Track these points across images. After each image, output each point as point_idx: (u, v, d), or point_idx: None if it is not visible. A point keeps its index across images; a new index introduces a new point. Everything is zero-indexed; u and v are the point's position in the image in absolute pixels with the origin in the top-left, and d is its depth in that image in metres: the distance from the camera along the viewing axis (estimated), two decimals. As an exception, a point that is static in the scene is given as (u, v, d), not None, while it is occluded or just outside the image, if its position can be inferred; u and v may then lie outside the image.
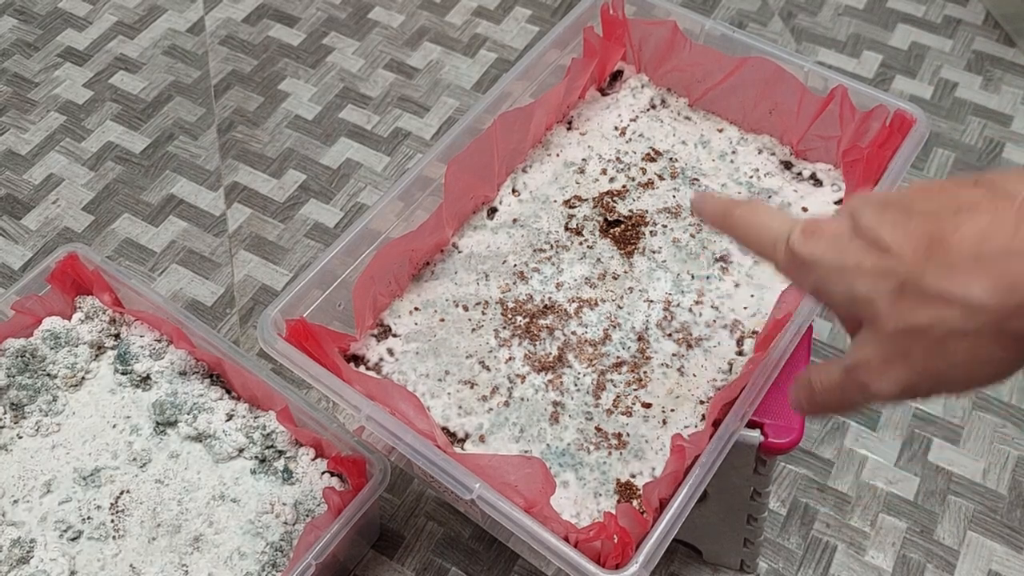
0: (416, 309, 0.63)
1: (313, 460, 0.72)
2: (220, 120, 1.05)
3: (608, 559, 0.48)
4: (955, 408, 0.84)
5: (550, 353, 0.60)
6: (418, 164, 0.63)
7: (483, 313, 0.62)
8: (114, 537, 0.69)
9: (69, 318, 0.79)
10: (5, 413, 0.74)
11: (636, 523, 0.49)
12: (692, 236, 0.65)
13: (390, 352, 0.61)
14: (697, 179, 0.68)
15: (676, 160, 0.70)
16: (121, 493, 0.71)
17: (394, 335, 0.62)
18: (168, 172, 1.01)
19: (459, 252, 0.66)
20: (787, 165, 0.69)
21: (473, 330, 0.62)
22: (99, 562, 0.68)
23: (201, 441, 0.74)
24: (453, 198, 0.64)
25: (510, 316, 0.62)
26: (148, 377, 0.76)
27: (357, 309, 0.60)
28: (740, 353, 0.60)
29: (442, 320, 0.62)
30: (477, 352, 0.61)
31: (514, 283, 0.64)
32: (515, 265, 0.65)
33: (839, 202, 0.66)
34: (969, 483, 0.80)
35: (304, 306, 0.59)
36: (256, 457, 0.72)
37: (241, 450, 0.73)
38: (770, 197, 0.67)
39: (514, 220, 0.67)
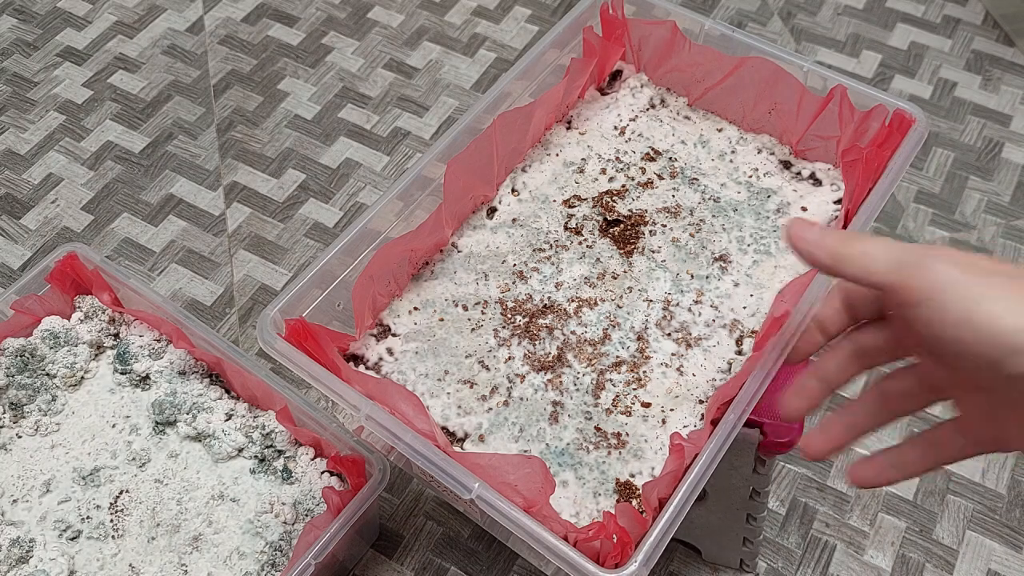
0: (415, 309, 0.63)
1: (312, 460, 0.72)
2: (219, 120, 1.05)
3: (607, 558, 0.48)
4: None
5: (549, 353, 0.60)
6: (417, 164, 0.63)
7: (483, 313, 0.62)
8: (113, 537, 0.69)
9: (68, 318, 0.79)
10: (4, 413, 0.74)
11: (635, 522, 0.49)
12: (691, 236, 0.65)
13: (389, 352, 0.61)
14: (696, 179, 0.68)
15: (675, 160, 0.70)
16: (120, 493, 0.71)
17: (393, 335, 0.62)
18: (167, 172, 1.01)
19: (458, 252, 0.66)
20: (786, 165, 0.69)
21: (472, 330, 0.62)
22: (98, 562, 0.68)
23: (200, 441, 0.74)
24: (452, 198, 0.64)
25: (509, 316, 0.62)
26: (147, 377, 0.76)
27: (356, 309, 0.60)
28: (739, 353, 0.60)
29: (441, 320, 0.62)
30: (476, 352, 0.61)
31: (513, 283, 0.64)
32: (514, 265, 0.65)
33: (838, 201, 0.66)
34: (968, 482, 0.80)
35: (303, 306, 0.59)
36: (255, 457, 0.72)
37: (240, 450, 0.73)
38: (769, 196, 0.67)
39: (513, 220, 0.67)
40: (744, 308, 0.62)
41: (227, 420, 0.74)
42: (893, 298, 0.41)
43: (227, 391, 0.76)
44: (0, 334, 0.76)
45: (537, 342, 0.61)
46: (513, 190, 0.69)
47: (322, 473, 0.71)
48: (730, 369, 0.59)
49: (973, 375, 0.39)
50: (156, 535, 0.69)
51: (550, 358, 0.60)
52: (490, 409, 0.58)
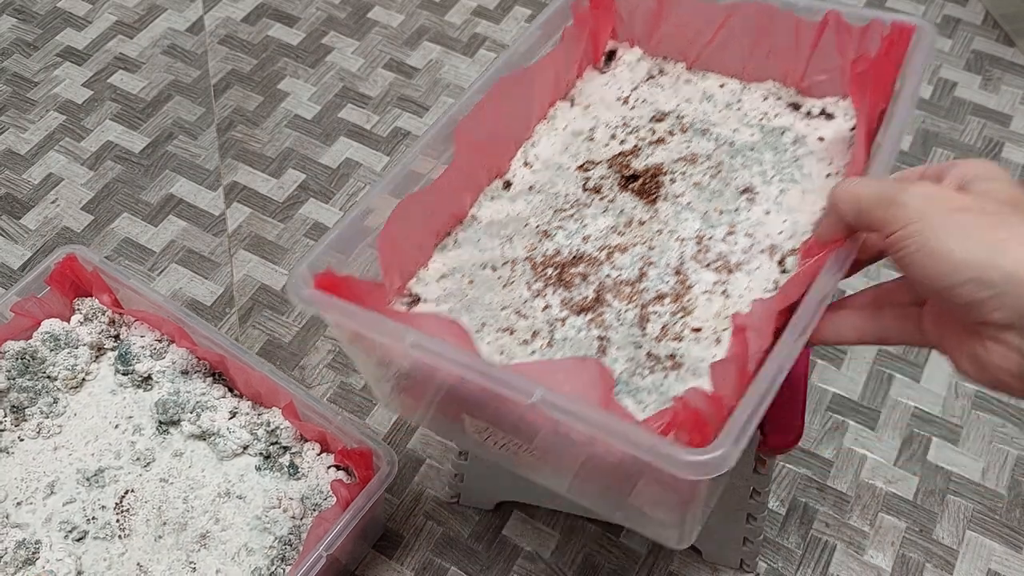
0: (443, 276, 0.61)
1: (319, 455, 0.72)
2: (220, 120, 1.05)
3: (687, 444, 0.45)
4: (954, 407, 0.84)
5: (587, 296, 0.58)
6: (417, 143, 0.61)
7: (512, 270, 0.60)
8: (120, 536, 0.69)
9: (68, 320, 0.79)
10: (6, 416, 0.74)
11: (709, 404, 0.45)
12: (713, 177, 0.64)
13: None
14: (707, 129, 0.67)
15: (683, 117, 0.68)
16: (126, 493, 0.71)
17: (424, 301, 0.60)
18: (167, 172, 1.01)
19: (479, 222, 0.64)
20: (795, 106, 0.68)
21: (504, 286, 0.59)
22: (105, 561, 0.68)
23: (205, 439, 0.74)
24: (464, 164, 0.62)
25: (540, 270, 0.60)
26: (149, 377, 0.76)
27: (383, 262, 0.57)
28: (784, 272, 0.58)
29: (471, 282, 0.60)
30: (512, 304, 0.58)
31: (539, 241, 0.62)
32: (537, 226, 0.63)
33: (854, 128, 0.64)
34: (968, 483, 0.80)
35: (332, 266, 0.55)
36: (261, 453, 0.73)
37: (245, 447, 0.73)
38: (783, 133, 0.66)
39: (530, 188, 0.66)
40: (780, 233, 0.60)
41: (231, 418, 0.74)
42: (880, 231, 0.45)
43: (230, 389, 0.76)
44: (0, 337, 0.76)
45: (572, 288, 0.58)
46: (525, 163, 0.67)
47: (329, 467, 0.72)
48: (776, 287, 0.56)
49: (934, 296, 0.44)
50: (163, 534, 0.69)
51: (588, 301, 0.57)
52: (533, 352, 0.56)
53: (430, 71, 1.09)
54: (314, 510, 0.70)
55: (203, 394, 0.74)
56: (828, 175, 0.62)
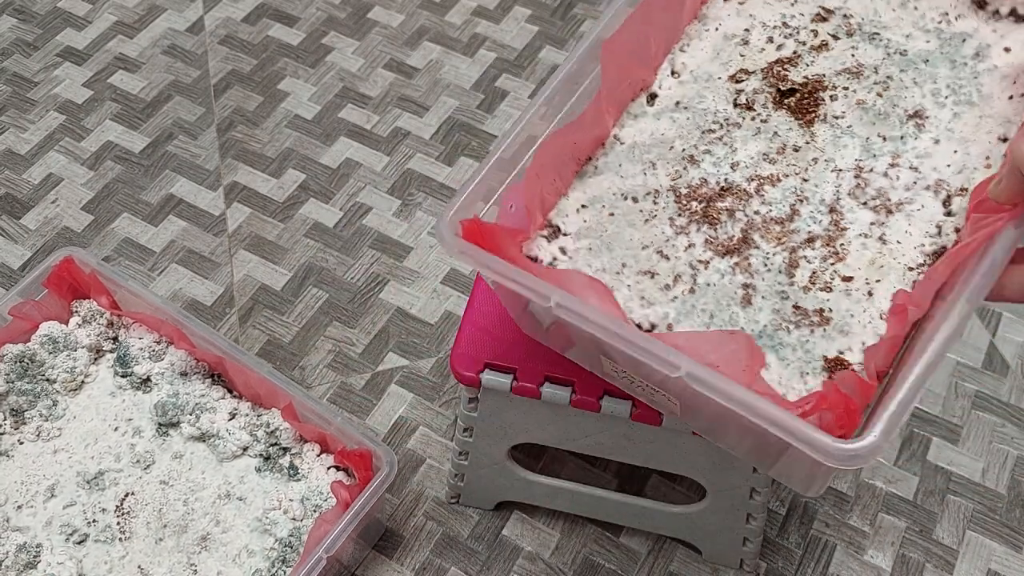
0: (583, 207, 0.59)
1: (319, 456, 0.72)
2: (220, 120, 1.05)
3: (832, 431, 0.44)
4: (954, 408, 0.84)
5: (733, 236, 0.55)
6: (564, 65, 0.58)
7: (654, 203, 0.58)
8: (120, 539, 0.69)
9: (66, 322, 0.79)
10: (5, 419, 0.74)
11: (860, 390, 0.44)
12: (879, 95, 0.59)
13: (563, 251, 0.57)
14: (877, 33, 0.61)
15: (850, 16, 0.62)
16: (126, 495, 0.71)
17: (564, 234, 0.58)
18: (168, 172, 1.01)
19: (621, 144, 0.61)
20: (981, 3, 0.61)
21: (646, 221, 0.57)
22: (106, 564, 0.68)
23: (204, 441, 0.74)
24: (611, 83, 0.59)
25: (684, 203, 0.57)
26: (148, 379, 0.76)
27: (527, 207, 0.56)
28: (949, 214, 0.54)
29: (611, 215, 0.58)
30: (653, 242, 0.56)
31: (684, 168, 0.59)
32: (683, 150, 0.59)
33: None
34: (968, 483, 0.80)
35: (475, 211, 0.55)
36: (260, 455, 0.73)
37: (245, 448, 0.73)
38: (964, 41, 0.60)
39: (676, 103, 0.62)
40: (948, 166, 0.56)
41: (231, 419, 0.74)
42: None
43: (229, 391, 0.76)
44: (-2, 340, 0.76)
45: (718, 226, 0.56)
46: (673, 72, 0.63)
47: (328, 468, 0.72)
48: (939, 232, 0.54)
49: None
50: (164, 536, 0.69)
51: (734, 241, 0.55)
52: (675, 298, 0.54)
53: (430, 71, 1.09)
54: (314, 511, 0.70)
55: (202, 396, 0.75)
56: (1011, 97, 0.57)
